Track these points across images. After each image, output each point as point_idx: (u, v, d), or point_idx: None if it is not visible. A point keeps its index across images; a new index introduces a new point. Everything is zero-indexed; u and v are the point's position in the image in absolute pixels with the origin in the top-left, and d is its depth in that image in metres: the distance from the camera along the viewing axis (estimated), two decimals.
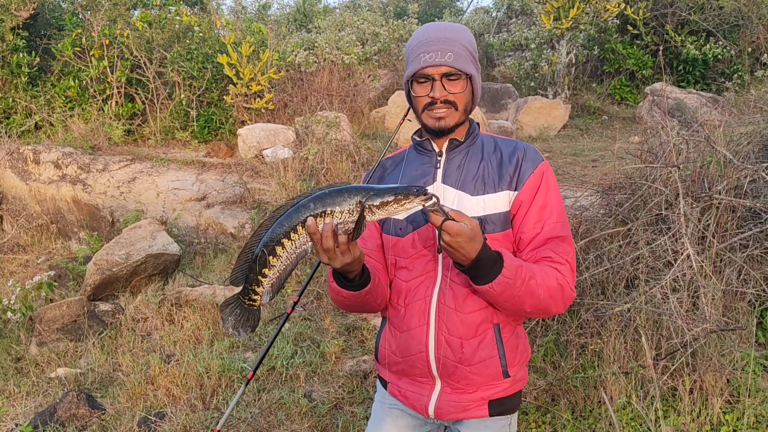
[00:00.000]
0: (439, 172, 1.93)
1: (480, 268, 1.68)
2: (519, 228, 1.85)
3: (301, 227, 1.56)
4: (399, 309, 1.95)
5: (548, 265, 1.80)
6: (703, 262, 3.39)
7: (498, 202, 1.85)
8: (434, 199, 1.57)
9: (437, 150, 1.95)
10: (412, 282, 1.92)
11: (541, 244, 1.83)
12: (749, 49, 10.14)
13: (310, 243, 1.58)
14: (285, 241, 1.56)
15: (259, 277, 1.61)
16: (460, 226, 1.57)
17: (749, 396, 3.16)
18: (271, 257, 1.58)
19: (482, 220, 1.83)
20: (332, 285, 1.82)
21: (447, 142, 1.94)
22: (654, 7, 11.41)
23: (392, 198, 1.56)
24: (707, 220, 3.62)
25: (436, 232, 1.66)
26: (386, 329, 2.02)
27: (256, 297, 1.65)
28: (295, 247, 1.58)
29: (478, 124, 2.03)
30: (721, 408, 3.16)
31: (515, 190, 1.85)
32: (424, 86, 1.87)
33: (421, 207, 1.57)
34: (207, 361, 4.52)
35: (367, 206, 1.54)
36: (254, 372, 2.13)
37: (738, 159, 3.93)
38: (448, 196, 1.87)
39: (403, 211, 1.57)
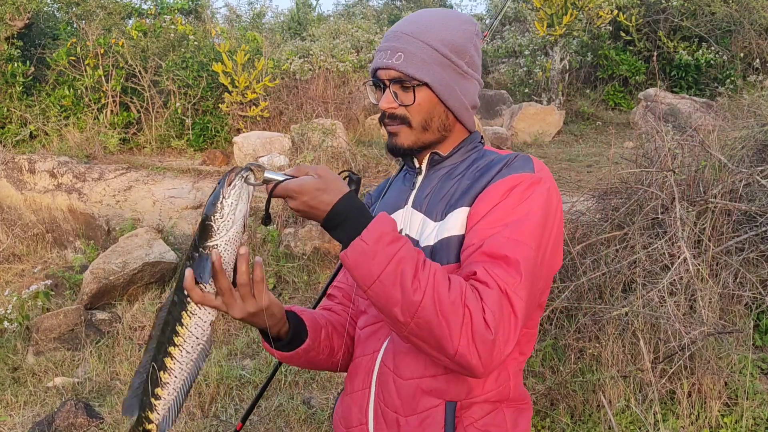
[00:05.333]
0: (413, 194, 1.55)
1: (337, 228, 1.28)
2: (463, 244, 1.37)
3: (186, 318, 1.27)
4: (353, 364, 1.59)
5: (465, 279, 1.29)
6: (699, 265, 3.41)
7: (452, 222, 1.41)
8: (249, 172, 1.25)
9: (417, 166, 1.58)
10: (365, 330, 1.56)
11: (475, 258, 1.31)
12: (741, 55, 10.21)
13: (205, 339, 1.29)
14: (173, 349, 1.25)
15: (153, 400, 1.29)
16: (299, 181, 1.24)
17: (747, 398, 3.18)
18: (162, 372, 1.28)
19: (433, 250, 1.42)
20: (264, 345, 1.49)
21: (428, 157, 1.56)
22: (646, 13, 11.49)
23: (218, 201, 1.22)
24: (703, 224, 3.64)
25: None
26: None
27: (150, 426, 1.31)
28: (187, 351, 1.27)
29: (483, 140, 1.62)
30: (719, 411, 3.17)
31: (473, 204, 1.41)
32: (378, 92, 1.54)
33: (250, 187, 1.26)
34: (204, 368, 4.52)
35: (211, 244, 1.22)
36: (243, 423, 1.96)
37: (732, 163, 3.96)
38: (415, 222, 1.51)
39: (243, 205, 1.24)
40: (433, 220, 1.45)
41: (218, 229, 1.19)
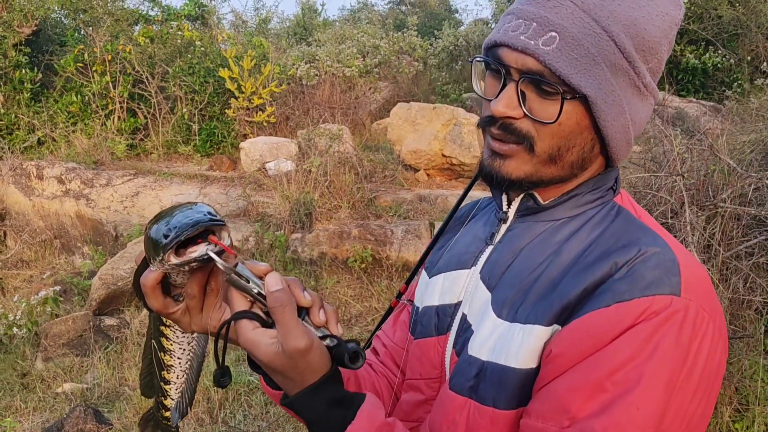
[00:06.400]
0: (488, 250, 1.05)
1: (308, 422, 0.88)
2: (530, 404, 0.90)
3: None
4: None
5: None
6: (709, 270, 3.40)
7: (517, 344, 0.91)
8: (219, 256, 0.85)
9: (504, 208, 1.06)
10: (419, 410, 1.11)
11: None
12: (748, 58, 10.18)
13: None
14: (164, 329, 1.04)
15: (162, 385, 1.09)
16: (254, 341, 0.83)
17: (758, 404, 3.16)
18: (162, 354, 1.07)
19: (481, 371, 0.94)
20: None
21: (520, 199, 1.03)
22: None
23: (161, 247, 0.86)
24: (713, 229, 3.63)
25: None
26: None
27: (167, 413, 1.12)
28: (181, 330, 1.03)
29: (616, 184, 1.03)
30: (730, 416, 3.16)
31: (561, 324, 0.89)
32: (492, 80, 0.96)
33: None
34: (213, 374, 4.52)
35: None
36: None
37: (741, 167, 3.94)
38: (477, 300, 1.02)
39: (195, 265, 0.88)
40: (496, 313, 0.96)
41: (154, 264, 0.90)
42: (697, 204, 3.68)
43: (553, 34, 0.87)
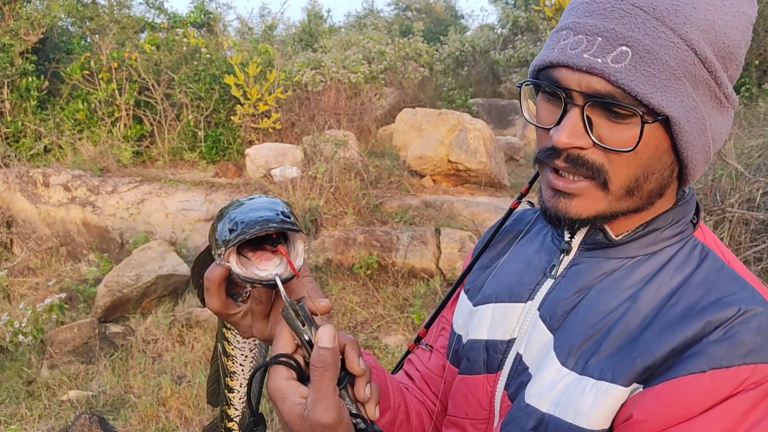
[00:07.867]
0: (547, 284, 0.96)
1: None
2: None
3: None
4: None
5: None
6: None
7: (587, 402, 0.82)
8: (279, 284, 0.77)
9: (566, 238, 0.95)
10: None
11: None
12: (756, 62, 10.14)
13: None
14: (226, 331, 0.96)
15: (227, 393, 1.02)
16: (283, 390, 0.74)
17: None
18: (225, 359, 0.99)
19: (540, 425, 0.86)
20: None
21: (585, 233, 0.94)
22: None
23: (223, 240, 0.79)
24: (720, 234, 3.60)
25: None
26: None
27: (231, 424, 1.04)
28: (241, 338, 0.96)
29: (696, 217, 0.94)
30: None
31: (642, 384, 0.80)
32: (548, 105, 0.86)
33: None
34: None
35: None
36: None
37: (749, 172, 3.91)
38: (535, 341, 0.92)
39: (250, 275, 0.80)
40: (561, 361, 0.86)
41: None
42: (705, 209, 3.65)
43: (624, 48, 0.77)
